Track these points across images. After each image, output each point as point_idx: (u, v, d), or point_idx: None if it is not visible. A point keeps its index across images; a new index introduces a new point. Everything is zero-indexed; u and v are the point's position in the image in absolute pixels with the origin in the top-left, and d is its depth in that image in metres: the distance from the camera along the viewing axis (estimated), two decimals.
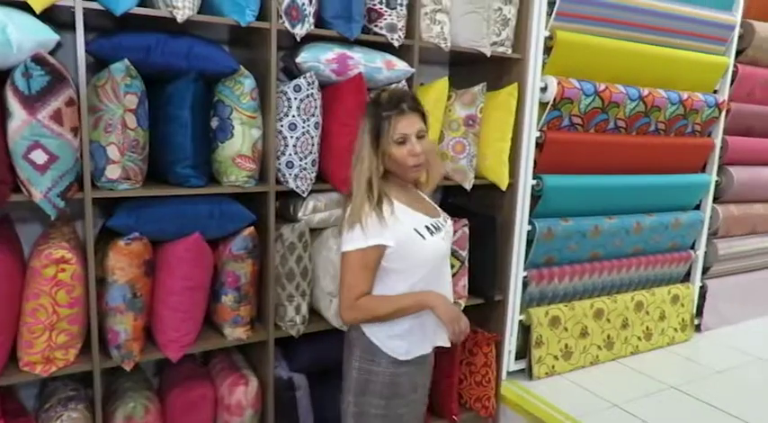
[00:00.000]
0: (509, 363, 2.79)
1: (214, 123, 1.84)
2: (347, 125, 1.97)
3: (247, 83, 1.81)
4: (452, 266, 2.33)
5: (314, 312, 2.17)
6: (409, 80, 2.06)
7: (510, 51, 2.33)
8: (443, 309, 1.44)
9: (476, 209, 2.51)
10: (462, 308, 2.36)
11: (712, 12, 3.00)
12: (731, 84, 3.22)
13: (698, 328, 3.56)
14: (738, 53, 3.21)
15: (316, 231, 2.12)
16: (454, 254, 2.33)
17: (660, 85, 2.93)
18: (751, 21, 3.20)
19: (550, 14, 2.48)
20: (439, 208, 1.67)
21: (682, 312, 3.40)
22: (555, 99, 2.56)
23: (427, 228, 1.50)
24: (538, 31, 2.45)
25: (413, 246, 1.46)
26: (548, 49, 2.56)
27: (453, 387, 2.48)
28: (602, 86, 2.68)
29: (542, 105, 2.60)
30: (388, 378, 1.52)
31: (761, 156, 3.51)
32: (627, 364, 3.12)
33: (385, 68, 1.99)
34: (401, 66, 2.02)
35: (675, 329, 3.38)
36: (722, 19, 3.04)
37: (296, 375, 2.12)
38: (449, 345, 1.60)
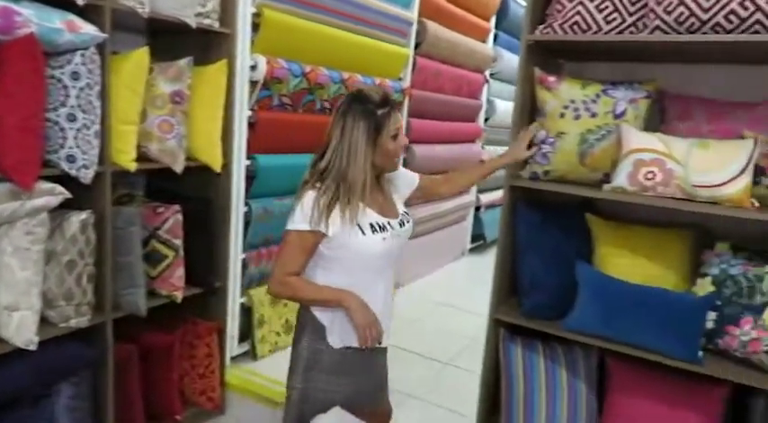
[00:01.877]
0: (232, 348, 2.74)
1: None
2: (14, 97, 1.58)
3: None
4: (165, 257, 2.16)
5: None
6: (100, 47, 1.76)
7: (217, 25, 2.19)
8: (358, 312, 1.50)
9: (189, 193, 2.34)
10: (180, 300, 2.19)
11: (395, 7, 3.37)
12: (412, 73, 3.70)
13: (396, 286, 4.09)
14: (416, 46, 3.71)
15: None
16: (166, 243, 2.14)
17: (357, 71, 3.18)
18: (425, 19, 3.71)
19: None
20: (401, 209, 1.68)
21: None
22: (265, 78, 2.54)
23: (371, 225, 1.53)
24: (245, 6, 2.38)
25: (349, 238, 1.50)
26: (255, 27, 2.51)
27: (173, 385, 2.30)
28: (309, 68, 2.76)
29: (253, 84, 2.55)
30: (336, 357, 1.58)
31: (433, 135, 4.16)
32: None
33: (66, 31, 1.64)
34: (88, 29, 1.70)
35: None
36: (402, 15, 3.45)
37: None
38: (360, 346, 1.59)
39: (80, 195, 1.84)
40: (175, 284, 2.19)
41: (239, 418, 2.55)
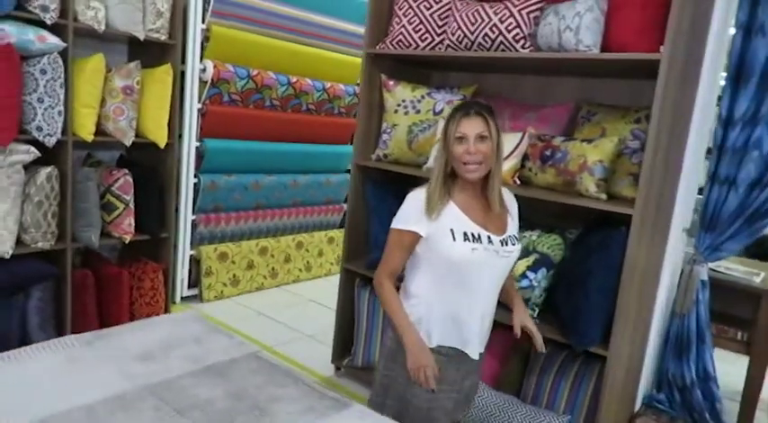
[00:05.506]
0: (182, 289, 3.48)
1: None
2: None
3: None
4: (117, 208, 2.91)
5: None
6: (63, 53, 2.53)
7: (164, 37, 2.94)
8: (412, 354, 1.54)
9: (144, 163, 3.10)
10: (127, 241, 2.94)
11: (348, 24, 4.02)
12: None
13: None
14: None
15: None
16: (118, 197, 2.89)
17: (309, 76, 3.86)
18: None
19: (208, 10, 3.17)
20: (510, 229, 1.63)
21: (337, 251, 4.47)
22: (213, 79, 3.26)
23: (465, 234, 1.53)
24: (195, 23, 3.12)
25: (439, 243, 1.53)
26: (207, 39, 3.24)
27: (123, 307, 3.05)
28: (255, 72, 3.47)
29: (204, 83, 3.29)
30: None
31: None
32: (288, 290, 4.06)
33: (37, 41, 2.43)
34: (53, 40, 2.47)
35: (332, 264, 4.44)
36: (356, 30, 4.09)
37: None
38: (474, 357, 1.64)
39: (51, 156, 2.63)
40: (125, 229, 2.94)
41: None
